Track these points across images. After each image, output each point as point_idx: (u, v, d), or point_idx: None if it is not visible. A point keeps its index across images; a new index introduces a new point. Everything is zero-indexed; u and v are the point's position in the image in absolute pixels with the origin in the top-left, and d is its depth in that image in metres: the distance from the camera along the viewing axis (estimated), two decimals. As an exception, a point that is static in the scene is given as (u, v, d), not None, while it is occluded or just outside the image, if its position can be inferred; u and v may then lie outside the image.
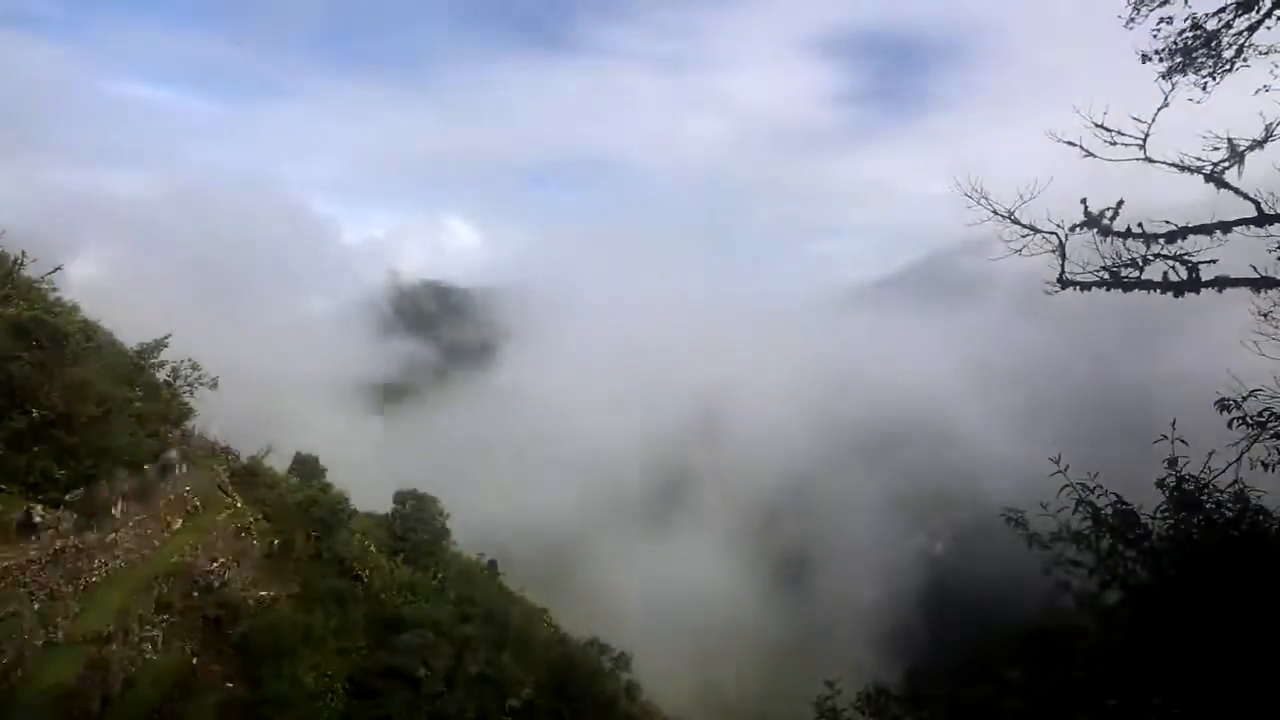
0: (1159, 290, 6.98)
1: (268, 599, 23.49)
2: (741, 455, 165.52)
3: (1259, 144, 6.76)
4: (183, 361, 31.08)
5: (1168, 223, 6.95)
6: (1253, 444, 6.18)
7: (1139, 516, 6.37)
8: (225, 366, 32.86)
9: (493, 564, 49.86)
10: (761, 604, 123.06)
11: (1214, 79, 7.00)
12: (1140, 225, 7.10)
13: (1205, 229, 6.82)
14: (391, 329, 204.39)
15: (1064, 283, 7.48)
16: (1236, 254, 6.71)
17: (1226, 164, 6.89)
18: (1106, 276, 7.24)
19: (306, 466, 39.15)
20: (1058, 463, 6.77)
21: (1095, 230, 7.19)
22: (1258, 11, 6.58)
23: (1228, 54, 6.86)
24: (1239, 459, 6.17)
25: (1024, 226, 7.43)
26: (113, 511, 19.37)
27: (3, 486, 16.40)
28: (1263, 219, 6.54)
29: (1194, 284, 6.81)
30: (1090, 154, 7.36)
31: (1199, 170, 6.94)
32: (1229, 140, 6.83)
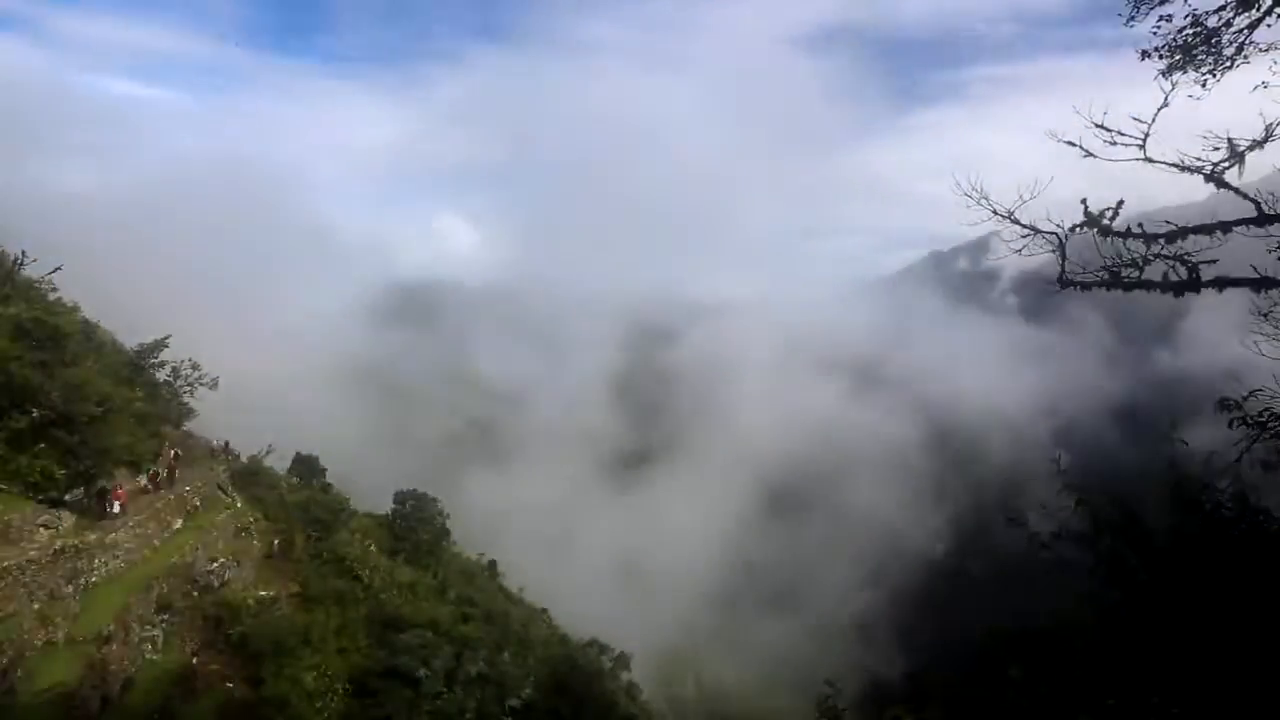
0: (1159, 290, 6.97)
1: (268, 599, 23.49)
2: (742, 453, 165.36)
3: (1259, 144, 6.75)
4: (183, 361, 31.10)
5: (1168, 223, 6.95)
6: (1253, 444, 6.17)
7: (1139, 517, 6.36)
8: (218, 364, 32.81)
9: (493, 564, 49.87)
10: (761, 604, 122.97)
11: (1214, 76, 6.99)
12: (1140, 225, 7.09)
13: (1205, 229, 6.81)
14: (386, 325, 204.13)
15: (1064, 283, 7.47)
16: (1236, 254, 6.71)
17: (1226, 164, 6.87)
18: (1106, 276, 7.23)
19: (306, 466, 39.18)
20: (1058, 463, 6.77)
21: (1095, 230, 7.18)
22: (1258, 9, 6.57)
23: (1228, 51, 6.85)
24: (1239, 459, 6.16)
25: (1024, 226, 7.43)
26: (113, 511, 19.38)
27: (3, 486, 16.39)
28: (1263, 219, 6.53)
29: (1194, 284, 6.80)
30: (1090, 154, 7.36)
31: (1199, 170, 6.92)
32: (1229, 140, 6.82)
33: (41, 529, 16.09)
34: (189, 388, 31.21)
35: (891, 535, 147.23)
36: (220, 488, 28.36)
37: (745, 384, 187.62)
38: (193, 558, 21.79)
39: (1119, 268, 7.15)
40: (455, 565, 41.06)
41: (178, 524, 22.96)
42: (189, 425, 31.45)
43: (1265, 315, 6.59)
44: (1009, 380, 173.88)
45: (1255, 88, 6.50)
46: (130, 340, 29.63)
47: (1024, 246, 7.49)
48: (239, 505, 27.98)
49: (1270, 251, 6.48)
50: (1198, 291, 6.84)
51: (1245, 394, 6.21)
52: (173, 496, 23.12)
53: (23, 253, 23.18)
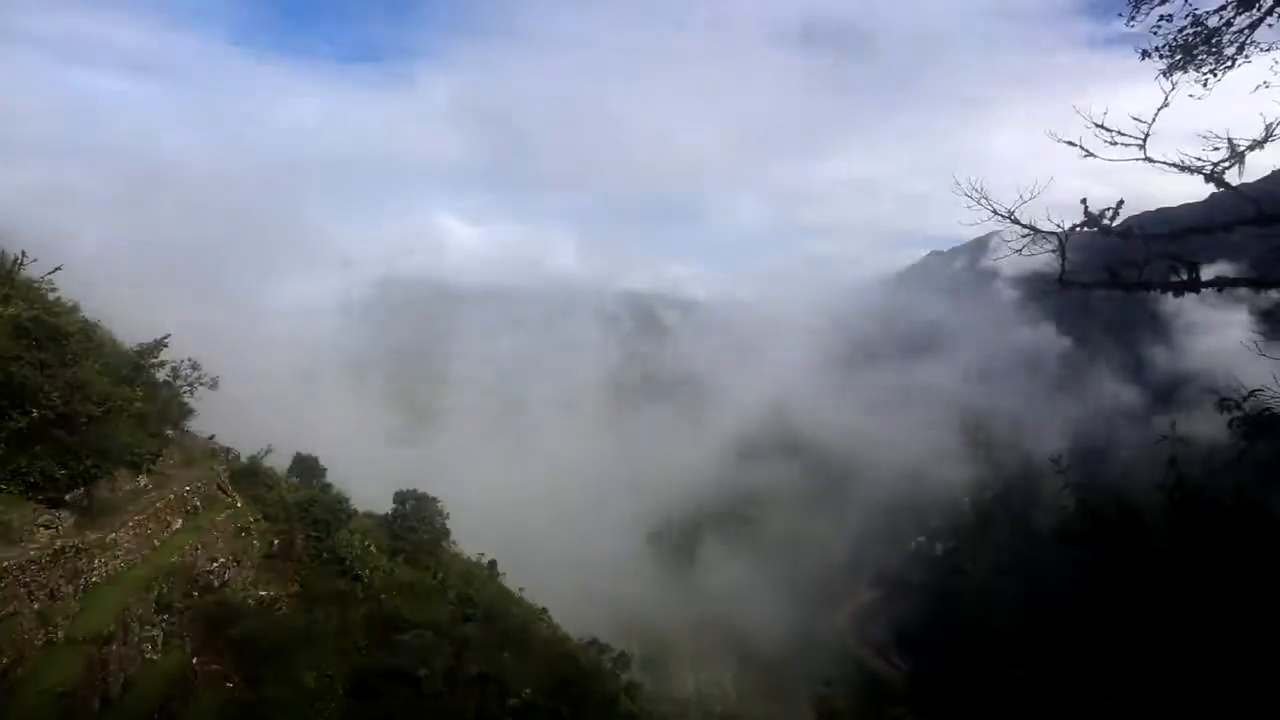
0: (1159, 290, 6.97)
1: (268, 599, 23.49)
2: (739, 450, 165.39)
3: (1259, 144, 6.75)
4: (182, 361, 31.03)
5: (1168, 223, 6.95)
6: (1253, 444, 6.17)
7: (1139, 516, 6.35)
8: (211, 362, 32.72)
9: (493, 564, 49.88)
10: (763, 604, 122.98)
11: (1215, 76, 6.99)
12: (1140, 225, 7.10)
13: (1205, 229, 6.82)
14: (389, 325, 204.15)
15: (1064, 283, 7.48)
16: (1236, 254, 6.71)
17: (1226, 164, 6.87)
18: (1106, 276, 7.24)
19: (306, 466, 39.18)
20: (1058, 463, 6.77)
21: (1095, 230, 7.18)
22: (1259, 9, 6.57)
23: (1228, 51, 6.85)
24: (1239, 459, 6.16)
25: (1024, 226, 7.43)
26: (113, 511, 19.37)
27: (3, 486, 16.38)
28: (1263, 219, 6.54)
29: (1194, 284, 6.80)
30: (1090, 154, 7.36)
31: (1199, 170, 6.92)
32: (1229, 140, 6.82)
33: (41, 529, 16.08)
34: (189, 388, 31.16)
35: (891, 534, 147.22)
36: (220, 488, 28.35)
37: (745, 382, 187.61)
38: (193, 558, 21.78)
39: (1119, 268, 7.15)
40: (455, 565, 41.08)
41: (178, 524, 22.95)
42: (189, 425, 31.41)
43: (1265, 315, 6.59)
44: (1009, 380, 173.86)
45: (1255, 88, 6.49)
46: (122, 339, 29.53)
47: (1024, 246, 7.50)
48: (239, 505, 27.96)
49: (1270, 252, 6.48)
50: (1198, 291, 6.85)
51: (1245, 394, 6.21)
52: (173, 496, 23.10)
53: (23, 253, 23.14)
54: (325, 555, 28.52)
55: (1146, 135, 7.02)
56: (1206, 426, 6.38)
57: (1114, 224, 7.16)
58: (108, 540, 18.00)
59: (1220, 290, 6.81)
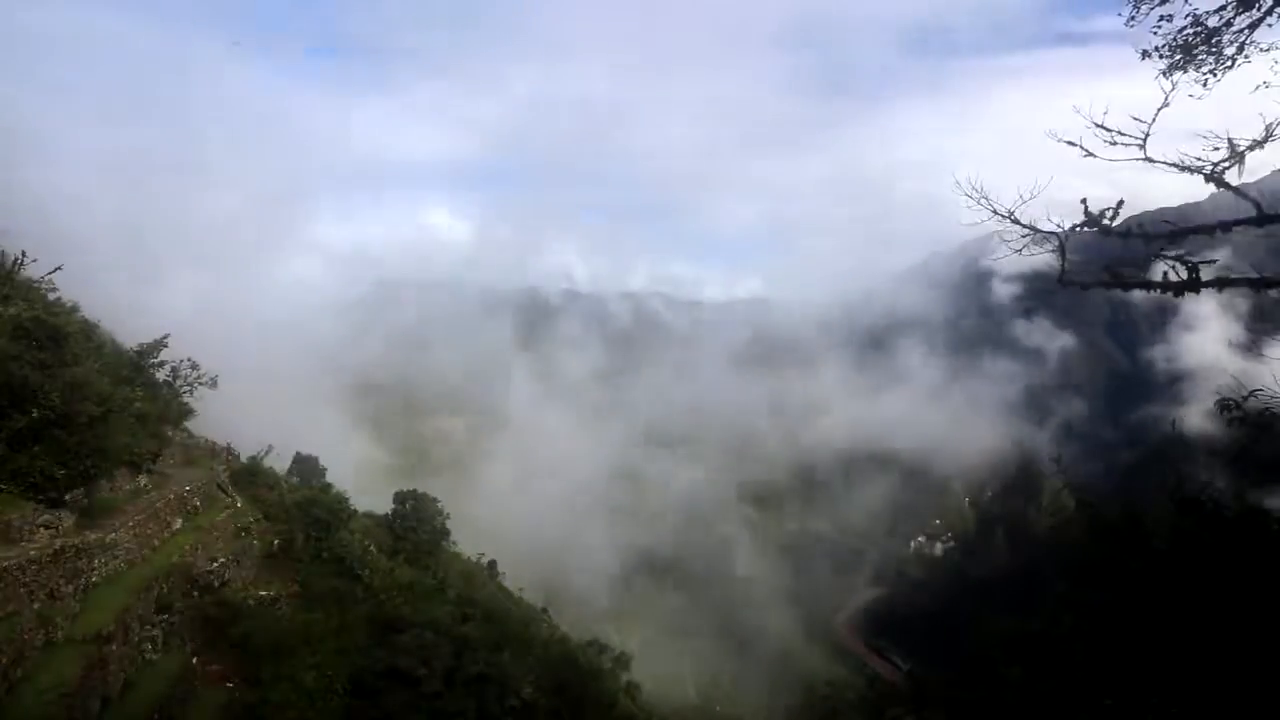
0: (1159, 290, 6.97)
1: (268, 599, 23.48)
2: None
3: (1259, 144, 6.75)
4: (182, 361, 31.06)
5: (1167, 223, 6.95)
6: (1253, 444, 6.17)
7: (1139, 516, 6.36)
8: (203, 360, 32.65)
9: (493, 564, 49.89)
10: (765, 603, 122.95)
11: (1214, 76, 6.99)
12: (1140, 225, 7.10)
13: (1205, 229, 6.82)
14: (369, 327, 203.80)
15: (1064, 282, 7.48)
16: (1236, 254, 6.71)
17: (1226, 164, 6.88)
18: (1106, 276, 7.24)
19: (306, 466, 39.19)
20: (1059, 464, 6.77)
21: (1095, 230, 7.18)
22: (1258, 9, 6.57)
23: (1228, 51, 6.85)
24: (1239, 459, 6.17)
25: (1024, 226, 7.43)
26: (113, 511, 19.36)
27: (3, 486, 16.37)
28: (1263, 219, 6.53)
29: (1194, 284, 6.80)
30: (1090, 154, 7.36)
31: (1199, 170, 6.92)
32: (1229, 140, 6.82)
33: (41, 529, 16.08)
34: (189, 388, 31.19)
35: (892, 532, 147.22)
36: (220, 488, 28.35)
37: (744, 379, 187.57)
38: (193, 558, 21.79)
39: (1119, 268, 7.16)
40: (455, 565, 41.10)
41: (178, 524, 22.95)
42: (189, 425, 31.42)
43: (1265, 315, 6.59)
44: (1009, 380, 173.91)
45: (1255, 88, 6.50)
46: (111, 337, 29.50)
47: (1024, 246, 7.50)
48: (239, 505, 27.96)
49: (1270, 252, 6.48)
50: (1198, 291, 6.85)
51: (1245, 394, 6.21)
52: (173, 496, 23.11)
53: (23, 253, 23.16)
54: (325, 555, 28.51)
55: (1146, 135, 7.02)
56: (1205, 426, 6.39)
57: (1114, 224, 7.17)
58: (108, 540, 17.99)
59: (1220, 290, 6.81)
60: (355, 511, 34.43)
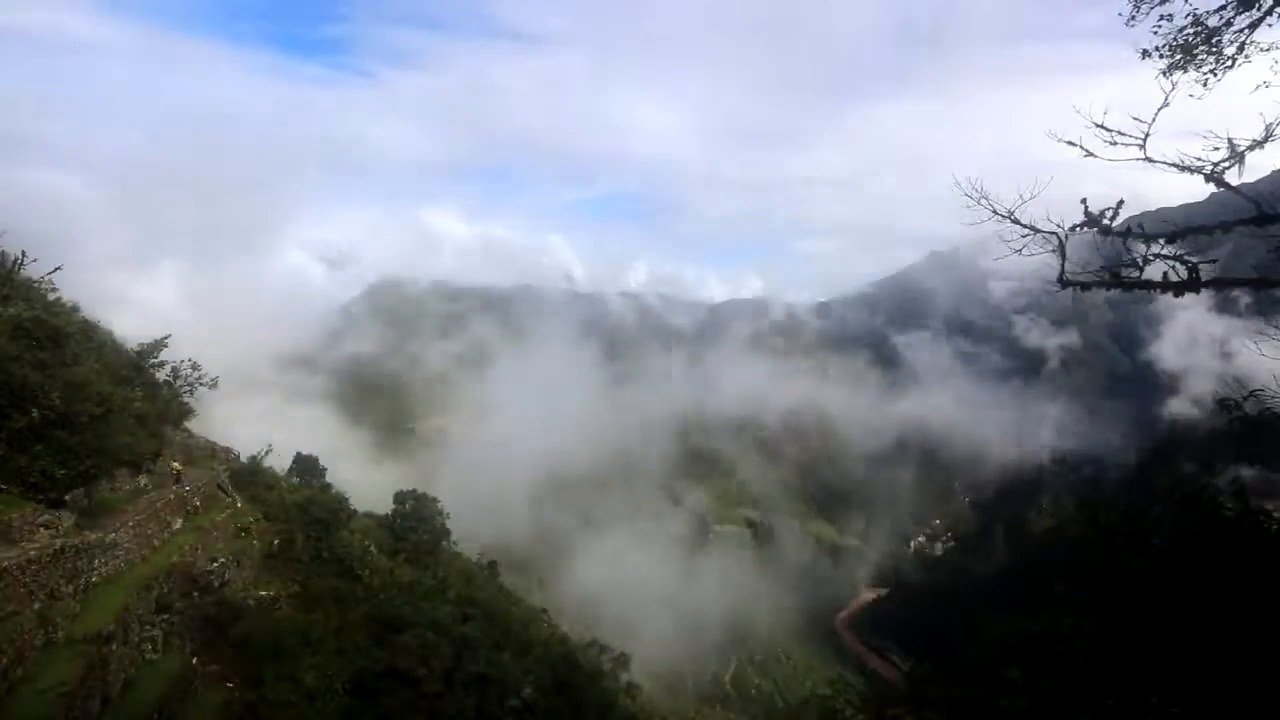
0: (1159, 290, 6.97)
1: (268, 599, 23.49)
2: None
3: (1259, 144, 6.75)
4: (182, 361, 31.09)
5: (1167, 223, 6.95)
6: (1253, 444, 6.18)
7: (1139, 516, 6.36)
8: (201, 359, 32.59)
9: (493, 564, 49.89)
10: (764, 603, 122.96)
11: (1215, 75, 6.99)
12: (1140, 225, 7.09)
13: (1205, 229, 6.81)
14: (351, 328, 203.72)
15: (1064, 283, 7.48)
16: (1236, 254, 6.70)
17: (1226, 164, 6.87)
18: (1106, 276, 7.23)
19: (306, 466, 39.20)
20: (1059, 464, 6.76)
21: (1095, 230, 7.18)
22: (1259, 9, 6.57)
23: (1229, 51, 6.85)
24: (1239, 459, 6.17)
25: (1024, 226, 7.43)
26: (113, 511, 19.37)
27: (3, 486, 16.36)
28: (1263, 219, 6.53)
29: (1194, 284, 6.80)
30: (1090, 154, 7.35)
31: (1199, 170, 6.92)
32: (1229, 140, 6.82)
33: (41, 529, 16.07)
34: (189, 388, 31.21)
35: (892, 532, 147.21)
36: (220, 488, 28.36)
37: (743, 379, 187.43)
38: (193, 558, 21.79)
39: (1119, 268, 7.15)
40: (455, 565, 41.09)
41: (178, 524, 22.96)
42: (188, 425, 31.43)
43: (1265, 315, 6.59)
44: (1009, 380, 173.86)
45: (1255, 88, 6.49)
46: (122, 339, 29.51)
47: (1024, 246, 7.49)
48: (239, 505, 27.97)
49: (1270, 252, 6.48)
50: (1198, 291, 6.85)
51: (1245, 394, 6.21)
52: (173, 496, 23.11)
53: (23, 253, 23.14)
54: (325, 555, 28.51)
55: (1146, 135, 7.02)
56: (1205, 428, 6.39)
57: (1114, 224, 7.16)
58: (108, 540, 17.99)
59: (1220, 290, 6.80)
60: (355, 511, 34.44)
